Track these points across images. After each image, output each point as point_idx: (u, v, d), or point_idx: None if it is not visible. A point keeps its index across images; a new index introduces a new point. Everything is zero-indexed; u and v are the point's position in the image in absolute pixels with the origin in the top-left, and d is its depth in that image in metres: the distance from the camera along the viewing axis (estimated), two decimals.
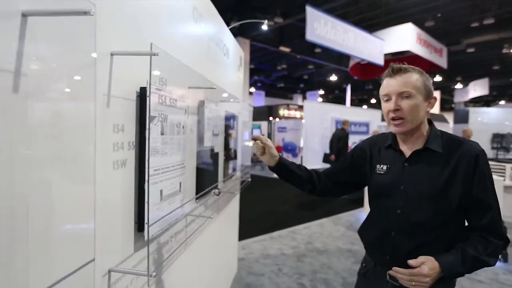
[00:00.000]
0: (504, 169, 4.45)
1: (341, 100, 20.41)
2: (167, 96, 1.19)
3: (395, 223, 1.13)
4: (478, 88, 15.04)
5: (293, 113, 18.60)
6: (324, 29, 7.97)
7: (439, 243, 1.07)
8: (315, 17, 7.69)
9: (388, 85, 1.11)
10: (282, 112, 18.03)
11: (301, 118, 16.17)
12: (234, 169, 2.57)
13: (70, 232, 0.72)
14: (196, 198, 1.65)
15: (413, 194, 1.10)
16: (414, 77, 1.07)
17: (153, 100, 1.11)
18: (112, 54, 0.89)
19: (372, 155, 1.26)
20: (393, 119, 1.09)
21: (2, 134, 0.57)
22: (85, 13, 0.59)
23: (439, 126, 1.15)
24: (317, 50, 13.25)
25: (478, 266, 1.04)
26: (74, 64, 0.72)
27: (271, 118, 17.41)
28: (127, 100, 1.02)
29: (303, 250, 3.70)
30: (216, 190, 1.95)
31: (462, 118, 8.14)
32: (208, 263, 2.07)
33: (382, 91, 1.13)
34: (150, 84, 0.92)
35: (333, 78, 17.46)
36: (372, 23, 11.01)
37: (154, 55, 0.89)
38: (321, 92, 21.41)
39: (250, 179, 2.85)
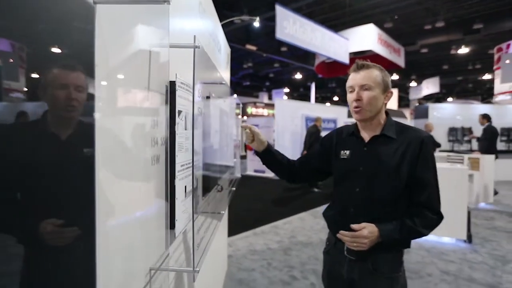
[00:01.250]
0: (463, 159, 4.89)
1: (305, 98, 20.93)
2: (189, 91, 1.18)
3: (354, 200, 1.27)
4: (430, 86, 16.25)
5: (260, 111, 18.78)
6: (293, 28, 8.14)
7: (391, 218, 1.21)
8: (284, 16, 7.82)
9: (353, 78, 1.27)
10: (250, 110, 18.13)
11: (268, 115, 16.37)
12: (208, 169, 2.48)
13: (148, 229, 0.71)
14: (203, 195, 1.64)
15: (370, 174, 1.25)
16: (375, 73, 1.24)
17: (180, 94, 1.09)
18: (154, 47, 0.87)
19: (337, 143, 1.39)
20: (355, 107, 1.25)
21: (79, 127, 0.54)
22: (165, 2, 0.58)
23: (398, 120, 1.31)
24: (283, 48, 13.45)
25: (413, 236, 1.21)
26: (138, 57, 0.69)
27: (239, 116, 17.43)
28: (160, 94, 0.99)
29: (288, 244, 3.78)
30: (219, 186, 1.94)
31: (422, 113, 8.77)
32: (205, 260, 2.06)
33: (348, 83, 1.29)
34: (194, 77, 0.90)
35: (298, 76, 17.86)
36: (335, 23, 11.43)
37: (197, 47, 0.88)
38: (286, 90, 21.79)
39: (240, 175, 2.86)
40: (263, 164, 1.50)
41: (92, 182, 0.47)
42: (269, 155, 1.45)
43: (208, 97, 1.64)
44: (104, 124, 0.61)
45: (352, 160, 1.30)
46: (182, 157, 1.11)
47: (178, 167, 1.09)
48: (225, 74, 2.70)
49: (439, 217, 1.23)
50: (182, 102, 1.11)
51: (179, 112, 1.09)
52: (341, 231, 1.21)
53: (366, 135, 1.30)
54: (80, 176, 0.46)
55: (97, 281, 0.59)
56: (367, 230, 1.16)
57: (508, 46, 11.70)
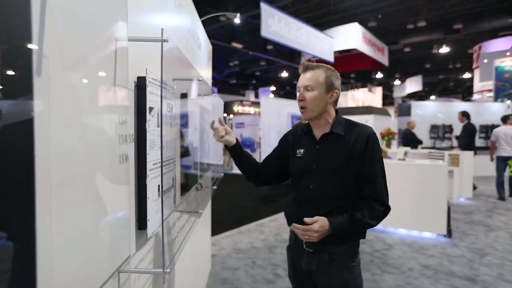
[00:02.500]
0: (443, 156, 5.00)
1: (292, 96, 20.99)
2: (164, 88, 1.14)
3: (309, 196, 1.31)
4: (414, 84, 16.60)
5: (247, 109, 18.75)
6: (278, 26, 8.13)
7: (343, 211, 1.26)
8: (269, 14, 7.81)
9: (300, 80, 1.32)
10: (236, 108, 18.08)
11: (255, 113, 16.36)
12: (187, 167, 2.40)
13: (106, 230, 0.68)
14: (182, 194, 1.60)
15: (322, 171, 1.29)
16: (318, 74, 1.28)
17: (151, 90, 1.06)
18: (116, 40, 0.83)
19: (293, 142, 1.42)
20: (300, 107, 1.31)
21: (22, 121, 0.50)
22: None
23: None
24: (269, 46, 13.44)
25: (362, 227, 1.27)
26: (98, 49, 0.66)
27: (225, 115, 17.37)
28: (127, 90, 0.95)
29: (273, 242, 3.78)
30: (199, 185, 1.91)
31: (405, 111, 8.95)
32: (186, 260, 2.02)
33: (297, 84, 1.34)
34: (162, 72, 0.87)
35: (284, 74, 17.91)
36: (320, 21, 11.50)
37: (165, 41, 0.85)
38: (273, 88, 21.83)
39: (223, 174, 2.83)
40: (234, 161, 1.51)
41: (31, 183, 0.44)
42: (239, 154, 1.47)
43: (185, 94, 1.61)
44: (58, 122, 0.58)
45: (306, 158, 1.34)
46: (154, 155, 1.08)
47: (150, 165, 1.06)
48: (207, 72, 2.65)
49: (386, 209, 1.27)
50: (154, 98, 1.08)
51: (151, 108, 1.06)
52: (294, 224, 1.24)
53: (317, 134, 1.34)
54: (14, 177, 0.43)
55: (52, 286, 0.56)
56: (318, 224, 1.20)
57: (480, 47, 12.09)
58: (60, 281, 0.58)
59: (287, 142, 1.45)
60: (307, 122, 1.40)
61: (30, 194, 0.43)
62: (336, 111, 1.36)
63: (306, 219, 1.22)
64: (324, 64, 1.31)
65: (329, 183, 1.27)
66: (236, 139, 1.48)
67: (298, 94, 1.32)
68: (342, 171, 1.26)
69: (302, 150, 1.36)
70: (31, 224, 0.44)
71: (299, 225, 1.23)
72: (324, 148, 1.31)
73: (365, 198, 1.27)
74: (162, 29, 0.84)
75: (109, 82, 0.79)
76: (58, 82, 0.58)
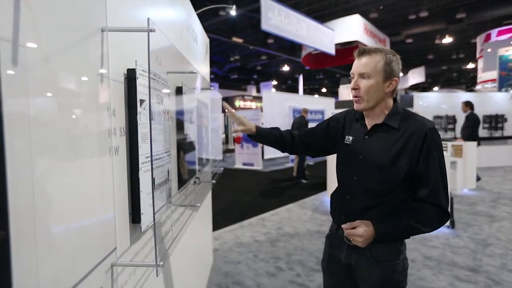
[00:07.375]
0: (446, 147, 4.97)
1: (293, 90, 20.93)
2: (154, 79, 1.13)
3: (351, 187, 1.26)
4: (416, 76, 16.45)
5: (248, 104, 18.70)
6: (278, 19, 8.06)
7: (386, 207, 1.18)
8: (269, 7, 7.73)
9: (354, 65, 1.20)
10: (238, 103, 18.04)
11: (256, 108, 16.31)
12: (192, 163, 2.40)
13: (88, 222, 0.67)
14: (179, 187, 1.60)
15: (368, 163, 1.21)
16: (376, 59, 1.15)
17: (141, 82, 1.04)
18: (102, 30, 0.81)
19: (344, 126, 1.36)
20: (353, 96, 1.21)
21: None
22: None
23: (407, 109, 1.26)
24: (270, 40, 13.36)
25: (411, 233, 1.16)
26: (79, 40, 0.64)
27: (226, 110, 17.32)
28: (116, 82, 0.94)
29: (275, 236, 3.78)
30: (197, 179, 1.90)
31: (407, 103, 8.89)
32: (188, 255, 2.03)
33: (351, 70, 1.22)
34: (149, 63, 0.86)
35: (286, 68, 17.82)
36: (321, 14, 11.40)
37: (152, 31, 0.83)
38: (274, 82, 21.74)
39: (222, 168, 2.82)
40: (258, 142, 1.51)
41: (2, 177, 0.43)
42: (262, 138, 1.45)
43: (180, 88, 1.59)
44: (39, 115, 0.56)
45: (354, 147, 1.27)
46: (147, 148, 1.07)
47: (142, 158, 1.05)
48: (204, 65, 2.63)
49: (444, 214, 1.15)
50: (145, 91, 1.06)
51: (142, 101, 1.05)
52: (343, 225, 1.21)
53: (369, 123, 1.25)
54: None
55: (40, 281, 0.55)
56: (362, 228, 1.15)
57: (489, 35, 11.89)
58: (44, 273, 0.57)
59: (338, 124, 1.39)
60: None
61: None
62: (394, 99, 1.24)
63: (344, 226, 1.18)
64: (384, 48, 1.20)
65: (372, 177, 1.19)
66: (257, 128, 1.43)
67: (351, 80, 1.21)
68: (388, 168, 1.15)
69: (351, 137, 1.29)
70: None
71: (345, 226, 1.19)
72: (373, 140, 1.22)
73: (419, 200, 1.16)
74: (148, 19, 0.82)
75: (95, 74, 0.78)
76: (37, 74, 0.57)
